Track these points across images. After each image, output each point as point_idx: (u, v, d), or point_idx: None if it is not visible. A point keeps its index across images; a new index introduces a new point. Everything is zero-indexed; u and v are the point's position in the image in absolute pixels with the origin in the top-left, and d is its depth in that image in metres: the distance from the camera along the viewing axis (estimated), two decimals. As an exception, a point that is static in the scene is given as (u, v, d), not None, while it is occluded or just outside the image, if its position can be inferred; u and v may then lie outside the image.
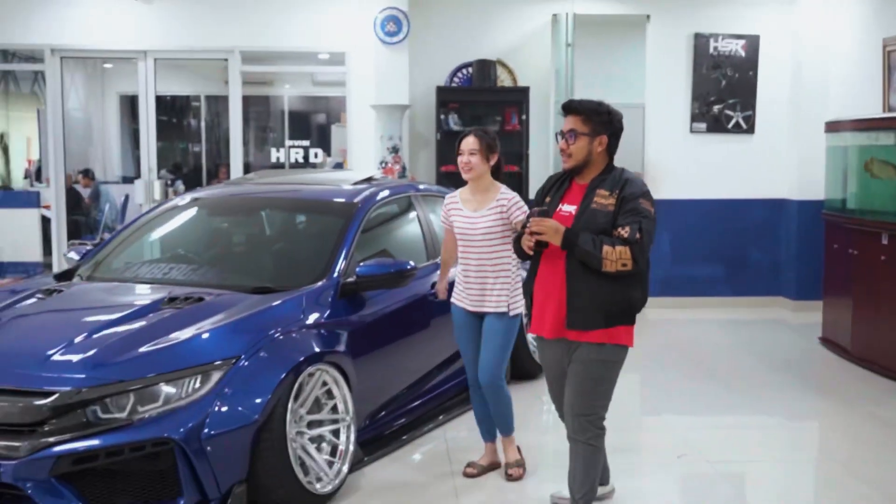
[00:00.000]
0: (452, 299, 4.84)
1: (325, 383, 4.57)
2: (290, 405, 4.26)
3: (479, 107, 9.65)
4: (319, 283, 4.88)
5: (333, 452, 4.60)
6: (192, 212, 5.94)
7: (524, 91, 9.41)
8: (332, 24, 9.38)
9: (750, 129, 9.73)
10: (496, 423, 4.90)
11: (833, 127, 8.14)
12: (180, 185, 11.29)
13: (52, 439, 3.84)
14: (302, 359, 4.35)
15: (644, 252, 3.78)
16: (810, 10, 9.46)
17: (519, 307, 4.68)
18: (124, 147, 14.78)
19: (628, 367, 7.47)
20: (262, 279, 5.00)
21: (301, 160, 10.14)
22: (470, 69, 9.52)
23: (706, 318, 9.30)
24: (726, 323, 9.11)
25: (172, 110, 14.90)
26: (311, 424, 4.50)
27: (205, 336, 4.28)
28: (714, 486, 4.96)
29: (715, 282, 9.88)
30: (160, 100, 10.40)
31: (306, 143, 10.35)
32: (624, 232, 3.76)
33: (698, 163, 9.74)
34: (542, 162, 9.59)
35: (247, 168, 10.36)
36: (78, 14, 9.34)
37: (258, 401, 4.12)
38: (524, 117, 9.40)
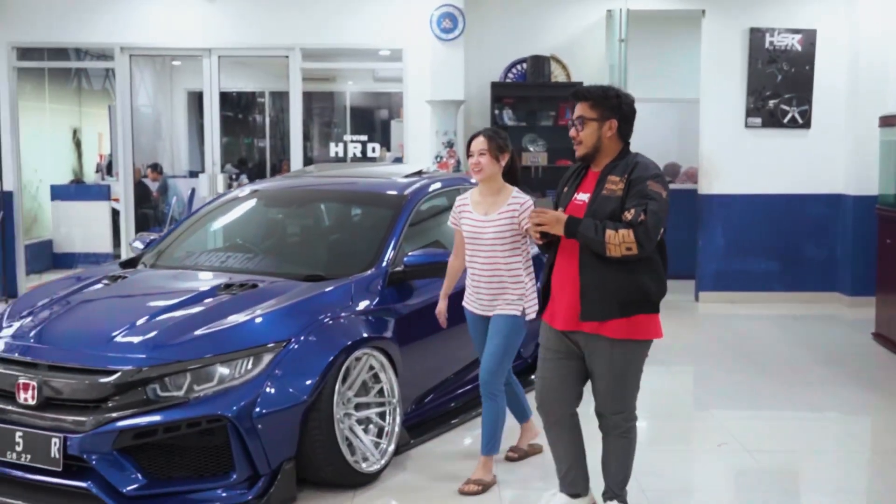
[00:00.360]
0: (464, 302, 4.74)
1: (371, 367, 4.75)
2: (337, 387, 4.46)
3: (533, 102, 9.80)
4: (368, 272, 5.07)
5: (380, 434, 4.79)
6: (251, 203, 6.19)
7: (577, 86, 9.49)
8: (389, 22, 9.60)
9: (806, 124, 9.70)
10: (482, 434, 4.66)
11: (887, 121, 8.11)
12: (244, 180, 11.60)
13: (114, 415, 4.10)
14: (349, 343, 4.55)
15: (649, 234, 3.68)
16: (869, 3, 9.39)
17: (533, 313, 4.51)
18: (191, 142, 15.17)
19: (680, 359, 7.58)
20: (314, 267, 5.20)
21: (359, 154, 10.38)
22: (524, 65, 9.66)
23: (760, 314, 9.30)
24: (780, 318, 9.11)
25: (238, 106, 15.26)
26: (358, 406, 4.69)
27: (258, 320, 4.50)
28: (757, 477, 5.00)
29: (769, 277, 9.87)
30: (226, 96, 10.73)
31: (364, 137, 10.58)
32: (628, 214, 3.70)
33: (753, 157, 9.74)
34: (596, 156, 9.68)
35: (308, 163, 10.62)
36: (146, 13, 9.69)
37: (307, 382, 4.33)
38: (578, 112, 9.48)
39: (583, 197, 3.89)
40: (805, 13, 9.64)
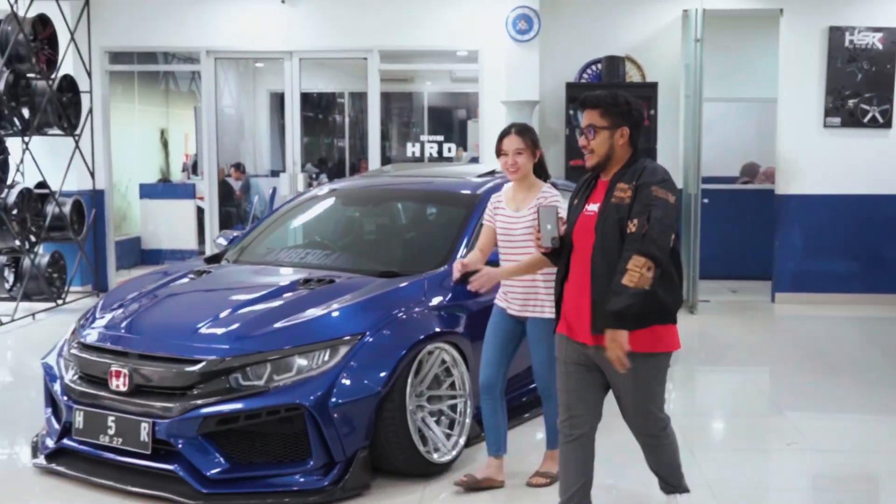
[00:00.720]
0: (496, 299, 4.63)
1: (443, 361, 4.89)
2: (410, 379, 4.61)
3: (608, 102, 9.82)
4: (441, 269, 5.22)
5: (451, 426, 4.92)
6: (330, 201, 6.40)
7: (653, 86, 9.53)
8: (466, 23, 9.75)
9: (887, 124, 9.55)
10: (546, 430, 4.66)
11: (971, 121, 7.96)
12: (324, 179, 11.87)
13: (199, 402, 4.32)
14: (422, 337, 4.70)
15: (657, 243, 3.51)
16: (953, 0, 9.22)
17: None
18: (273, 142, 15.53)
19: (754, 360, 7.54)
20: (389, 264, 5.37)
21: (436, 154, 10.55)
22: (599, 65, 9.71)
23: (837, 315, 9.20)
24: (857, 320, 9.00)
25: (318, 107, 15.56)
26: (430, 399, 4.83)
27: (335, 314, 4.69)
28: (829, 478, 5.02)
29: (847, 278, 9.75)
30: (306, 97, 11.00)
31: (441, 137, 10.74)
32: (632, 225, 3.55)
33: (832, 157, 9.64)
34: (672, 157, 9.68)
35: (385, 162, 10.84)
36: (230, 17, 10.01)
37: (381, 374, 4.49)
38: (652, 112, 9.52)
39: (593, 208, 3.74)
40: (886, 11, 9.50)
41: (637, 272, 3.48)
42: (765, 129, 11.16)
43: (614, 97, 3.74)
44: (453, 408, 4.94)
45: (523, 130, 4.51)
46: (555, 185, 4.68)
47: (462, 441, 4.92)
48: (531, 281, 4.44)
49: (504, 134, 4.54)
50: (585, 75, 9.82)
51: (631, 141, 3.75)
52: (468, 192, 5.85)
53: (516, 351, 4.63)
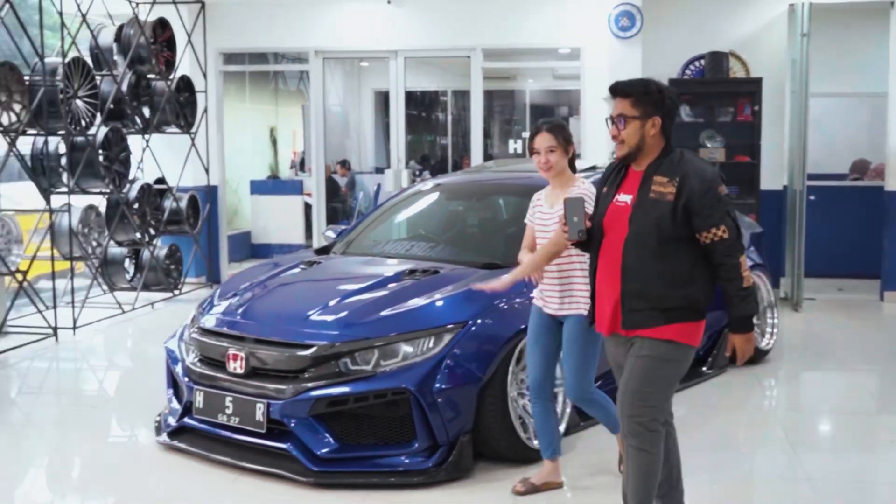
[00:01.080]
0: (534, 299, 4.52)
1: (544, 350, 5.00)
2: (511, 367, 4.77)
3: (712, 98, 9.79)
4: (542, 261, 5.33)
5: (551, 414, 5.04)
6: (434, 196, 6.59)
7: (757, 82, 9.45)
8: (568, 21, 9.83)
9: None
10: (604, 424, 4.59)
11: None
12: (427, 176, 12.08)
13: (310, 384, 4.56)
14: (523, 327, 4.79)
15: (741, 238, 3.53)
16: None
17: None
18: (377, 139, 15.85)
19: (862, 358, 7.45)
20: (491, 256, 5.52)
21: (537, 151, 10.64)
22: (702, 61, 9.67)
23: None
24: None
25: (421, 105, 15.82)
26: (531, 387, 4.96)
27: (439, 303, 4.87)
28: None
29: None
30: (410, 95, 11.23)
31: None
32: (722, 233, 3.45)
33: (945, 153, 9.39)
34: (776, 152, 9.58)
35: (487, 159, 10.99)
36: (338, 18, 10.30)
37: (483, 361, 4.66)
38: (757, 108, 9.44)
39: (624, 198, 3.61)
40: None
41: (747, 272, 3.49)
42: (876, 125, 10.92)
43: (646, 85, 3.59)
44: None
45: (555, 128, 4.39)
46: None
47: (561, 429, 5.01)
48: (567, 277, 4.32)
49: (535, 132, 4.44)
50: (688, 71, 9.80)
51: (663, 131, 3.59)
52: (569, 186, 5.93)
53: (560, 350, 4.47)
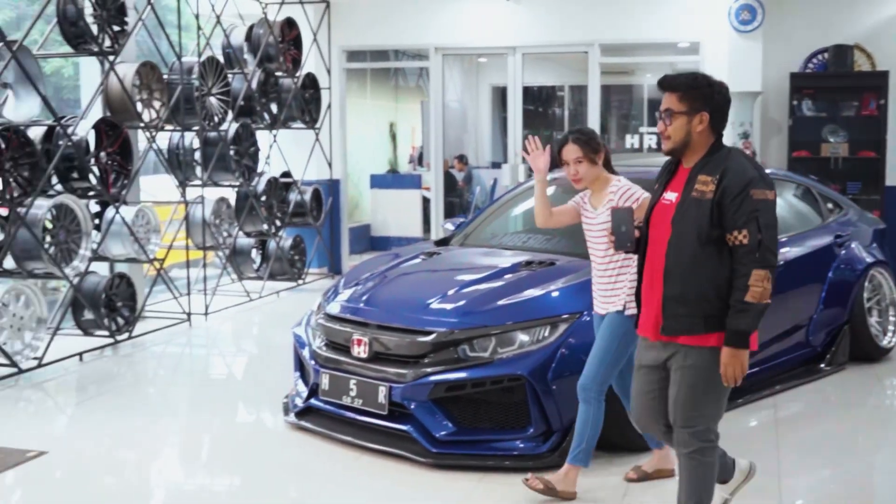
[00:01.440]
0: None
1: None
2: (624, 357, 4.86)
3: (835, 92, 9.61)
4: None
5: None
6: (550, 189, 6.64)
7: (883, 75, 9.24)
8: (686, 15, 9.78)
9: None
10: (575, 433, 4.38)
11: None
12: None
13: (430, 369, 4.76)
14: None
15: (772, 250, 3.35)
16: None
17: (632, 308, 4.01)
18: (494, 134, 15.99)
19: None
20: (607, 249, 5.61)
21: (654, 146, 10.65)
22: (825, 55, 9.50)
23: None
24: None
25: (538, 100, 15.89)
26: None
27: (554, 294, 5.01)
28: None
29: None
30: (527, 90, 11.33)
31: (656, 129, 10.82)
32: (742, 238, 3.33)
33: None
34: (903, 147, 9.36)
35: (604, 154, 10.99)
36: (457, 16, 10.51)
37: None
38: (882, 102, 9.23)
39: (670, 196, 3.54)
40: None
41: (760, 287, 3.31)
42: None
43: (694, 79, 3.50)
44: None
45: (579, 139, 4.36)
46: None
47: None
48: (609, 277, 4.33)
49: (562, 143, 4.43)
50: (811, 65, 9.64)
51: (712, 126, 3.48)
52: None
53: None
